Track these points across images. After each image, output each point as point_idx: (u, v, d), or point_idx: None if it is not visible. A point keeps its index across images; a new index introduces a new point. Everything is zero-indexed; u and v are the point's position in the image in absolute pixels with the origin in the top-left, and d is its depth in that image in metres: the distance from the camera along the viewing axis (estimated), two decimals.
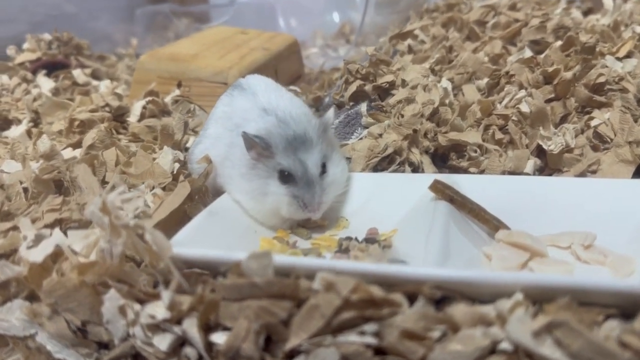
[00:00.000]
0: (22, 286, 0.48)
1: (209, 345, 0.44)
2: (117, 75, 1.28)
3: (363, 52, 1.17)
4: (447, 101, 0.73)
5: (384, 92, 0.76)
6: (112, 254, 0.46)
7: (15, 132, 0.90)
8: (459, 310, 0.39)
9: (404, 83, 0.72)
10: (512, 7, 1.03)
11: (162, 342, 0.45)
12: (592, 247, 0.52)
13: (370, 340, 0.39)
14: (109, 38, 1.70)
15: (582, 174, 0.61)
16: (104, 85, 1.04)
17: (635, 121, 0.68)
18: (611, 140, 0.65)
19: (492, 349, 0.38)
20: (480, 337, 0.38)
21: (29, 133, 0.88)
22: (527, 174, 0.63)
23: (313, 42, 1.60)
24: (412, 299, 0.42)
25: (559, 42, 0.86)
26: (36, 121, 0.94)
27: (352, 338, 0.40)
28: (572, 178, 0.60)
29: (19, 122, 0.94)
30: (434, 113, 0.66)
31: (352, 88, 0.78)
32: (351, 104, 0.80)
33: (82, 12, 1.71)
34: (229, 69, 0.92)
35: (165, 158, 0.65)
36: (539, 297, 0.40)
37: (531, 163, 0.63)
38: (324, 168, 0.58)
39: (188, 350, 0.45)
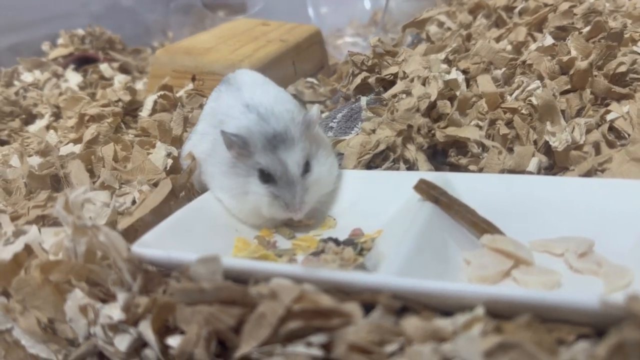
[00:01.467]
0: None
1: (165, 348, 0.43)
2: (147, 69, 1.30)
3: (388, 39, 1.13)
4: (457, 93, 0.69)
5: (389, 84, 0.73)
6: (76, 252, 0.46)
7: (36, 126, 0.93)
8: (411, 324, 0.37)
9: (404, 75, 0.68)
10: None
11: (122, 342, 0.44)
12: (588, 255, 0.47)
13: (316, 352, 0.37)
14: (161, 30, 1.73)
15: (589, 173, 0.56)
16: (118, 80, 1.06)
17: None
18: (629, 135, 0.59)
19: None
20: (429, 354, 0.35)
21: (48, 128, 0.91)
22: (530, 172, 0.58)
23: (345, 31, 1.56)
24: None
25: (588, 28, 0.79)
26: (58, 116, 0.97)
27: (299, 349, 0.38)
28: (573, 178, 0.55)
29: (43, 116, 0.97)
30: (432, 107, 0.62)
31: (357, 80, 0.75)
32: (357, 97, 0.77)
33: (139, 5, 1.76)
34: (240, 62, 0.91)
35: (158, 154, 0.65)
36: (503, 313, 0.37)
37: (535, 161, 0.58)
38: (307, 167, 0.56)
39: (148, 352, 0.45)
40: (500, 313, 0.37)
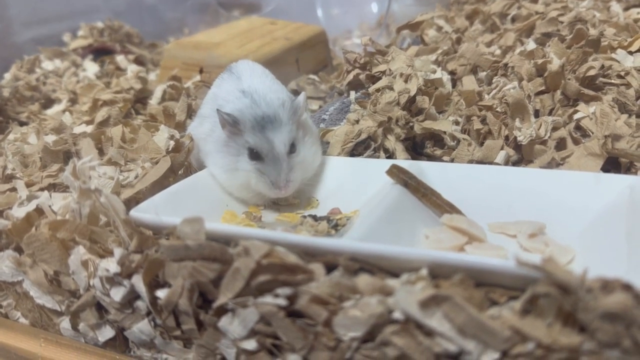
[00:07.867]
0: (11, 238, 0.56)
1: (154, 299, 0.49)
2: (161, 62, 1.37)
3: (390, 40, 1.18)
4: (443, 91, 0.74)
5: (377, 81, 0.78)
6: (80, 214, 0.52)
7: (54, 110, 1.00)
8: (362, 280, 0.42)
9: (390, 72, 0.74)
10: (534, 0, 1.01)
11: (117, 294, 0.50)
12: (537, 236, 0.52)
13: (282, 302, 0.43)
14: (178, 27, 1.80)
15: (549, 166, 0.61)
16: (130, 70, 1.12)
17: (630, 116, 0.67)
18: (593, 133, 0.64)
19: (388, 318, 0.40)
20: (375, 304, 0.40)
21: (64, 111, 0.98)
22: (497, 164, 0.63)
23: (354, 33, 1.62)
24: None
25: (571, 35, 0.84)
26: (75, 101, 1.04)
27: (267, 299, 0.43)
28: (533, 169, 0.60)
29: (60, 101, 1.04)
30: (412, 102, 0.68)
31: (349, 77, 0.81)
32: (351, 92, 0.82)
33: (159, 3, 1.84)
34: (245, 57, 0.97)
35: (162, 136, 0.71)
36: (445, 275, 0.42)
37: (503, 154, 0.63)
38: (293, 148, 0.61)
39: (139, 303, 0.51)
40: (442, 275, 0.42)
